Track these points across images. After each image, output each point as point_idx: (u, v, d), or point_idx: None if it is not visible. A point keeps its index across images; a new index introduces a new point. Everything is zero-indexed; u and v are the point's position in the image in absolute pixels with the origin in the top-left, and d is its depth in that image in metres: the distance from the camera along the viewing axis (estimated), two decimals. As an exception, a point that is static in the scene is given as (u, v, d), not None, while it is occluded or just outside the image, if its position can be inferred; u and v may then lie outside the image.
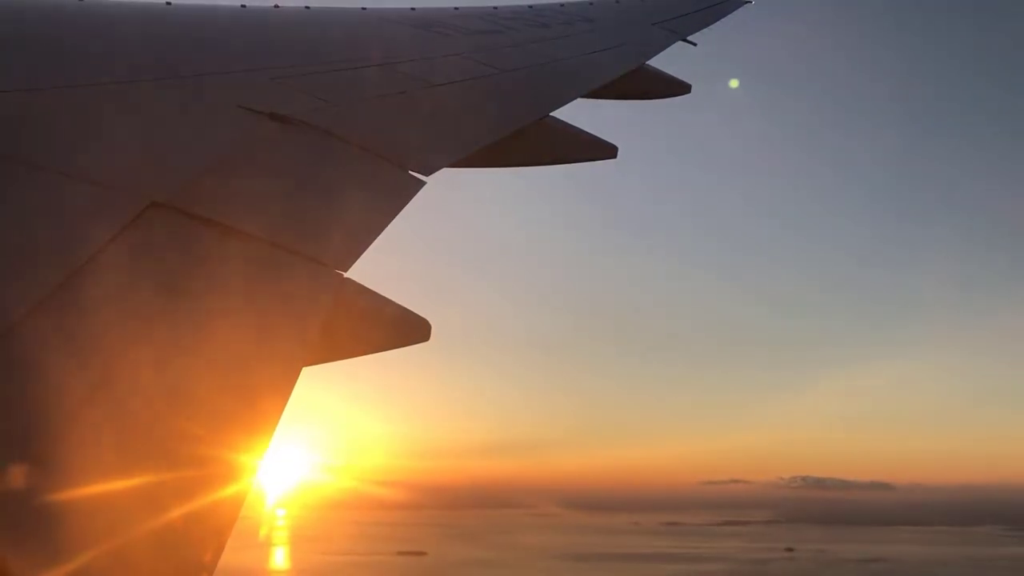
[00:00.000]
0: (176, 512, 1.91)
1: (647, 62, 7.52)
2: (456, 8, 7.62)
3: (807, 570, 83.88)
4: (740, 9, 9.99)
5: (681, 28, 8.68)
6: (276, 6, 6.31)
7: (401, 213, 3.52)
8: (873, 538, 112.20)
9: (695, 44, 8.65)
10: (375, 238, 3.25)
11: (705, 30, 8.93)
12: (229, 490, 2.03)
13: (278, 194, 3.33)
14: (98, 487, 1.83)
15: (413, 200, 3.67)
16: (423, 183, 3.78)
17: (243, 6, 5.90)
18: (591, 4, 9.11)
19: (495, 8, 8.05)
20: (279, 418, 2.25)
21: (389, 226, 3.39)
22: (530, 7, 8.50)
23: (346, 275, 2.95)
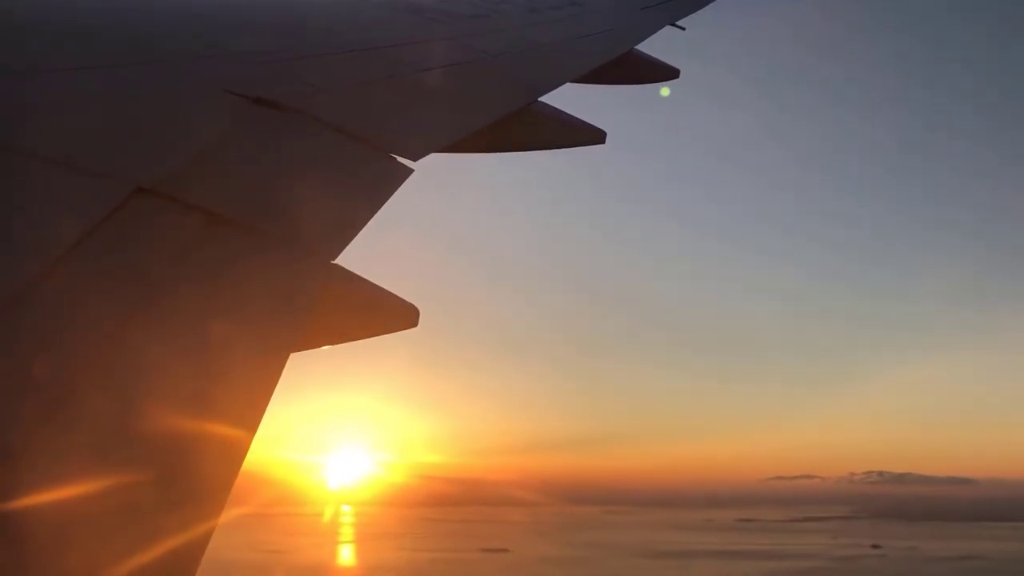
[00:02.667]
0: (161, 503, 1.93)
1: (636, 47, 7.53)
2: None
3: (901, 569, 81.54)
4: None
5: (670, 12, 8.74)
6: None
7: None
8: (961, 534, 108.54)
9: (684, 28, 8.72)
10: (364, 225, 3.27)
11: (694, 14, 9.01)
12: (216, 480, 2.05)
13: (265, 180, 3.33)
14: (78, 480, 1.85)
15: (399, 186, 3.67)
16: (411, 169, 3.80)
17: None
18: None
19: None
20: (267, 402, 2.30)
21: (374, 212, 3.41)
22: None
23: (333, 262, 2.98)
